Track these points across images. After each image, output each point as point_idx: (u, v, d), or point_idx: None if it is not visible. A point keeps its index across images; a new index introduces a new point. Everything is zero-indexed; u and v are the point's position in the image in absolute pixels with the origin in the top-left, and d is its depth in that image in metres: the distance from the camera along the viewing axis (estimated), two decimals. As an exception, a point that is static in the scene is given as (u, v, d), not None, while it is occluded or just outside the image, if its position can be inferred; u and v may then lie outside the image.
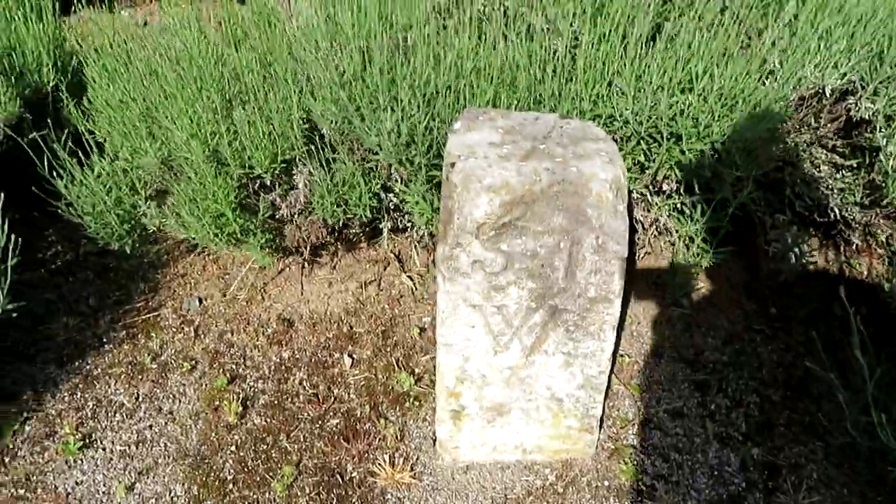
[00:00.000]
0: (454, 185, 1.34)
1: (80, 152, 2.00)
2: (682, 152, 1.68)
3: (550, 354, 1.51)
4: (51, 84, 2.40)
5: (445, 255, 1.39)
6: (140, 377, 1.96)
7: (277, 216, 1.98)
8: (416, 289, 2.23)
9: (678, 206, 1.88)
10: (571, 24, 1.82)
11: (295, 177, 1.86)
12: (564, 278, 1.40)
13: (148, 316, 2.16)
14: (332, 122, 1.77)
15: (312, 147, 1.85)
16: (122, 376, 1.96)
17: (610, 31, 1.78)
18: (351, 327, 2.11)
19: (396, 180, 1.90)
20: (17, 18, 2.46)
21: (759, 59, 1.70)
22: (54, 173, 1.95)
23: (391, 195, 1.95)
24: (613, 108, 1.72)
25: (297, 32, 2.13)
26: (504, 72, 1.76)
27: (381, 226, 2.08)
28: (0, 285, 1.75)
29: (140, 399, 1.90)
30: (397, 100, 1.72)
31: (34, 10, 2.50)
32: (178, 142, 1.89)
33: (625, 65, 1.77)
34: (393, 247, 2.33)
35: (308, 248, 2.09)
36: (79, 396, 1.90)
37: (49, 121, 2.26)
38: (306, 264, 2.30)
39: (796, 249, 1.79)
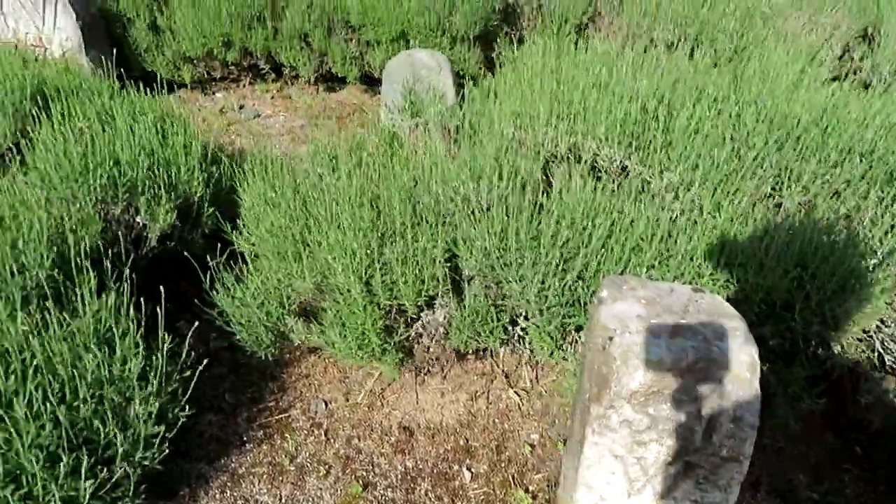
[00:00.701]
0: (614, 357, 1.56)
1: (219, 251, 2.26)
2: (794, 319, 1.90)
3: (679, 501, 1.71)
4: (198, 195, 2.68)
5: (599, 414, 1.61)
6: (280, 478, 2.17)
7: (411, 337, 2.22)
8: (523, 404, 2.44)
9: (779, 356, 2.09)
10: (689, 189, 2.06)
11: (436, 310, 2.10)
12: (701, 440, 1.61)
13: (280, 416, 2.39)
14: (478, 268, 2.02)
15: (452, 282, 2.09)
16: (265, 476, 2.17)
17: (729, 200, 2.02)
18: (466, 440, 2.32)
19: (524, 316, 2.13)
20: (168, 133, 2.77)
21: (866, 244, 1.93)
22: (210, 282, 2.20)
23: (517, 328, 2.17)
24: (730, 278, 1.95)
25: (431, 166, 2.39)
26: (633, 236, 2.00)
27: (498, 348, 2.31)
28: (178, 396, 1.98)
29: (283, 501, 2.11)
30: (540, 254, 1.96)
31: (183, 127, 2.80)
32: (334, 272, 2.13)
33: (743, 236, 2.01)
34: (500, 361, 2.55)
35: (433, 365, 2.32)
36: (228, 495, 2.12)
37: (197, 229, 2.54)
38: (419, 373, 2.52)
39: (889, 401, 1.98)
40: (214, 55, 4.60)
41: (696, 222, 1.99)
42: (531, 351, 2.26)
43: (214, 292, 2.28)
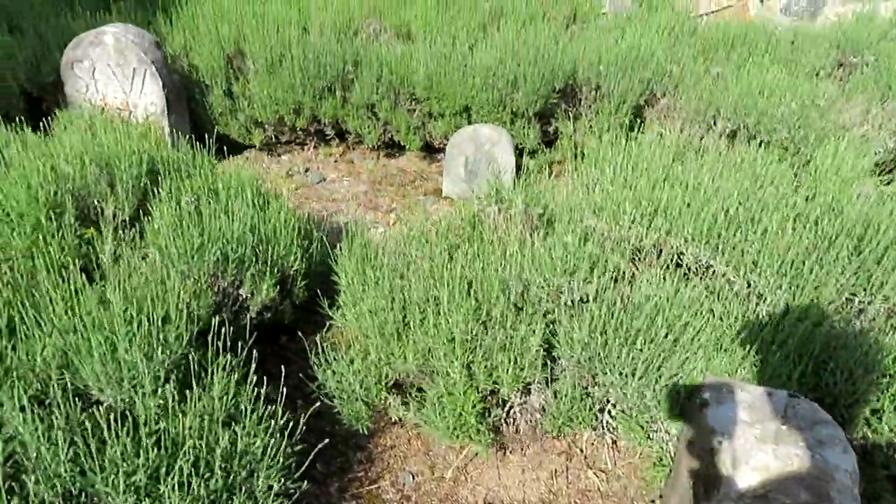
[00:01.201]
0: (724, 461, 1.68)
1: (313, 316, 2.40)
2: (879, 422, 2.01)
3: None
4: (293, 269, 2.85)
5: (706, 512, 1.72)
6: (376, 551, 2.28)
7: (503, 418, 2.34)
8: (602, 485, 2.53)
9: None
10: (775, 293, 2.19)
11: (532, 395, 2.23)
12: (803, 542, 1.71)
13: (370, 487, 2.50)
14: (576, 360, 2.15)
15: (547, 369, 2.22)
16: (361, 548, 2.28)
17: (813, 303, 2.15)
18: (550, 519, 2.42)
19: (614, 404, 2.25)
20: (265, 208, 2.96)
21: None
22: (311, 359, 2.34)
23: (606, 413, 2.29)
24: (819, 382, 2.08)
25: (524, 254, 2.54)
26: (725, 336, 2.13)
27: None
28: (292, 469, 2.11)
29: (379, 574, 2.21)
30: (636, 350, 2.10)
31: (279, 204, 2.99)
32: (435, 354, 2.27)
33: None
34: (579, 441, 2.66)
35: (515, 443, 2.43)
36: (328, 565, 2.22)
37: (290, 300, 2.70)
38: (501, 449, 2.63)
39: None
40: (284, 121, 4.84)
41: (780, 325, 2.12)
42: (615, 436, 2.36)
43: (316, 366, 2.42)
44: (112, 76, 4.38)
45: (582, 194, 3.03)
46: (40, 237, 2.42)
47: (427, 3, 5.81)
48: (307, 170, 4.95)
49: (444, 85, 4.63)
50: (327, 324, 2.62)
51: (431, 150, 5.13)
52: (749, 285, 2.28)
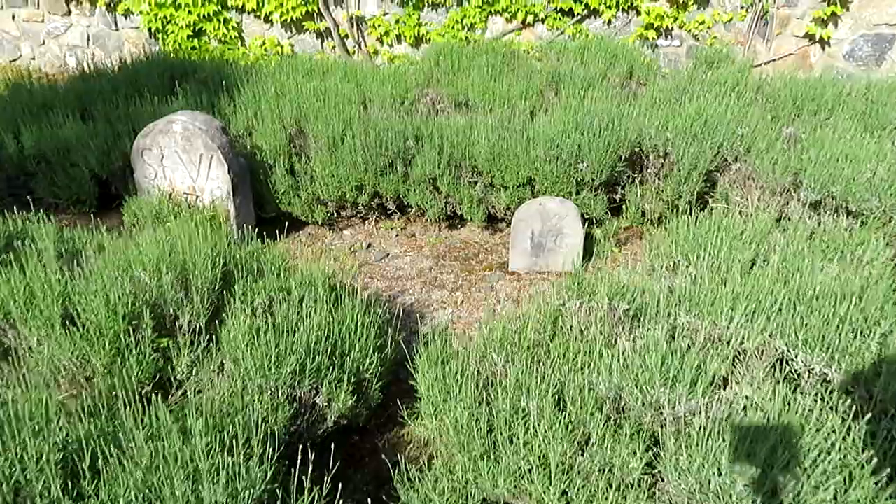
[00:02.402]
0: None
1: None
2: None
3: None
4: (370, 372, 2.76)
5: None
6: None
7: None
8: None
9: None
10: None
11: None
12: None
13: None
14: (687, 492, 1.97)
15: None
16: None
17: None
18: None
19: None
20: (340, 305, 2.88)
21: None
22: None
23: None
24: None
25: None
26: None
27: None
28: None
29: None
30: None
31: (354, 302, 2.91)
32: (527, 476, 2.12)
33: None
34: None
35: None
36: None
37: (365, 404, 2.59)
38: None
39: None
40: (346, 198, 4.83)
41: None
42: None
43: (398, 485, 2.30)
44: (179, 162, 4.45)
45: (666, 282, 2.87)
46: (119, 353, 2.38)
47: (482, 71, 5.80)
48: (369, 245, 4.91)
49: (506, 158, 4.56)
50: (399, 421, 2.50)
51: (494, 221, 5.05)
52: (871, 398, 2.08)
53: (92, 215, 5.26)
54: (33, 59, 9.16)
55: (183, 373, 2.48)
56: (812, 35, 7.04)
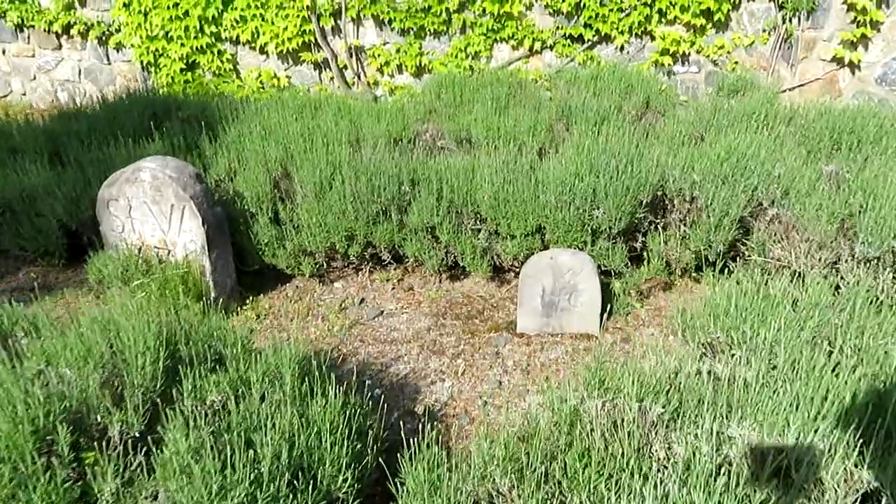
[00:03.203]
0: None
1: None
2: None
3: None
4: (343, 491, 2.25)
5: None
6: None
7: None
8: None
9: None
10: None
11: None
12: None
13: None
14: None
15: None
16: None
17: None
18: None
19: None
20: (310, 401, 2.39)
21: None
22: None
23: None
24: None
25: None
26: None
27: None
28: None
29: None
30: None
31: (327, 399, 2.41)
32: None
33: None
34: None
35: None
36: None
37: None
38: None
39: None
40: (336, 248, 4.36)
41: None
42: None
43: None
44: (149, 213, 4.01)
45: (705, 366, 2.36)
46: (21, 484, 1.90)
47: (487, 105, 5.35)
48: (362, 300, 4.42)
49: (512, 203, 4.07)
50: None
51: (500, 271, 4.55)
52: None
53: (62, 266, 4.84)
54: (24, 94, 8.84)
55: (107, 502, 1.99)
56: (840, 58, 6.54)
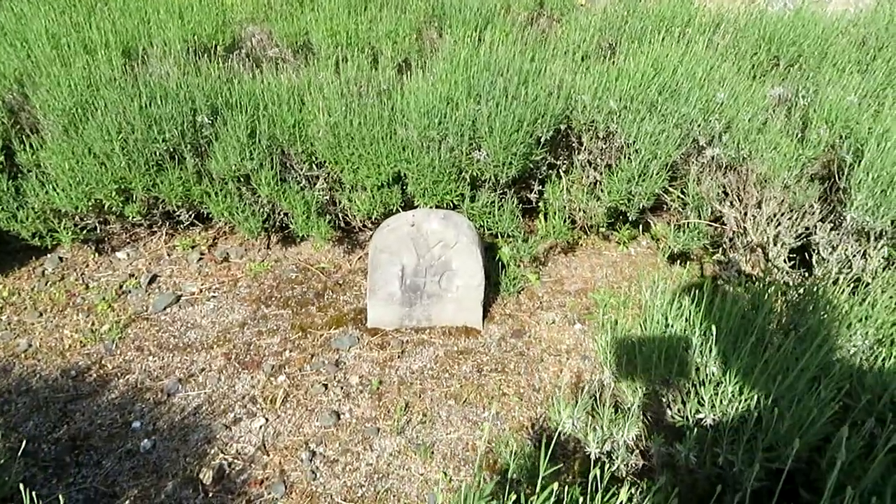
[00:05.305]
0: None
1: None
2: None
3: None
4: None
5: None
6: None
7: None
8: None
9: None
10: None
11: None
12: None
13: None
14: None
15: None
16: None
17: None
18: None
19: None
20: None
21: None
22: None
23: None
24: None
25: None
26: None
27: None
28: None
29: None
30: None
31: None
32: None
33: None
34: None
35: None
36: None
37: None
38: None
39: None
40: (105, 208, 2.98)
41: None
42: None
43: None
44: None
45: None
46: None
47: (337, 1, 3.95)
48: (153, 278, 3.10)
49: (359, 142, 2.83)
50: None
51: (350, 232, 3.35)
52: None
53: None
54: None
55: None
56: (762, -43, 5.54)
